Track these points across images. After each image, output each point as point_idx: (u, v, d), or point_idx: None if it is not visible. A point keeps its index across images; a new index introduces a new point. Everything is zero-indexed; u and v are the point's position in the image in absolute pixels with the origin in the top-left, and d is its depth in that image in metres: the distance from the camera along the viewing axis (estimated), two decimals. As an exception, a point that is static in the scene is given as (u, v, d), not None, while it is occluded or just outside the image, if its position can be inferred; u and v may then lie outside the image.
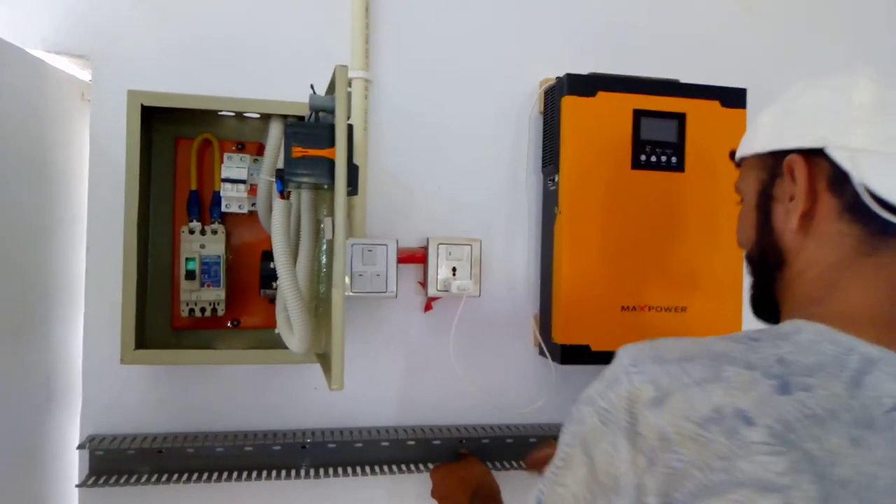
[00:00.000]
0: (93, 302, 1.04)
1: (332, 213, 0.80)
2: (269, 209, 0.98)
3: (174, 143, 1.03)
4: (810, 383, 0.50)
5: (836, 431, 0.48)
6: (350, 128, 0.79)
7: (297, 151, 0.78)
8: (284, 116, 0.97)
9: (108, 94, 1.04)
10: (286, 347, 0.91)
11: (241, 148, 1.04)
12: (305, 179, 0.79)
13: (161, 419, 1.06)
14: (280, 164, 0.96)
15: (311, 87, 0.84)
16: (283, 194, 0.83)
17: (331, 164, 0.78)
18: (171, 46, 1.07)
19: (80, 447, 1.01)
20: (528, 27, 1.19)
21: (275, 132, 0.97)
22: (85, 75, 1.10)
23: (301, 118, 0.91)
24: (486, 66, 1.17)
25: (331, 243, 0.80)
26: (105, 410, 1.04)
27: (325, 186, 0.84)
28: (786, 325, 0.56)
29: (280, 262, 0.81)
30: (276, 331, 0.91)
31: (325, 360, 0.91)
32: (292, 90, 0.97)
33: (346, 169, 0.77)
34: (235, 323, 1.05)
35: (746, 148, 0.68)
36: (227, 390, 1.09)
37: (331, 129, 0.79)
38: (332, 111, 0.82)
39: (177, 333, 1.04)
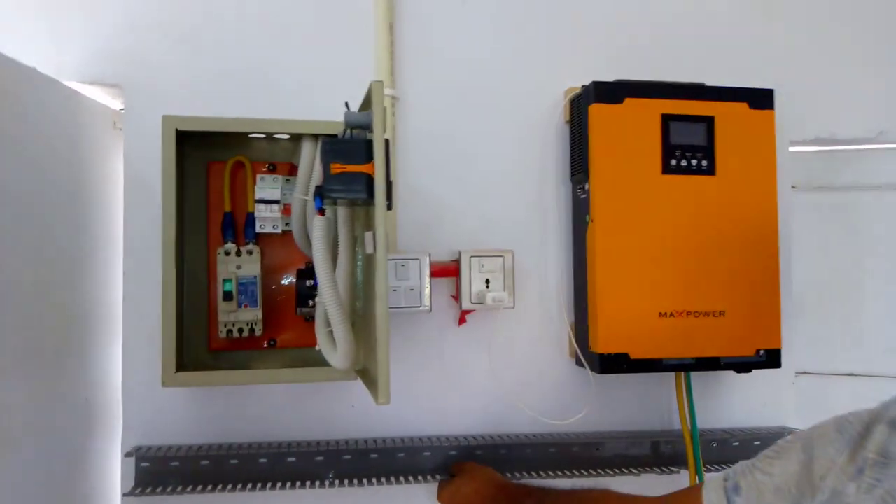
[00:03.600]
0: (131, 326, 1.05)
1: (369, 228, 0.81)
2: (304, 228, 0.99)
3: (206, 167, 1.05)
4: None
5: None
6: (387, 142, 0.80)
7: (336, 168, 0.79)
8: (315, 136, 0.98)
9: (140, 121, 1.06)
10: (323, 365, 0.91)
11: (272, 169, 1.05)
12: (345, 195, 0.79)
13: (199, 442, 1.06)
14: (313, 183, 0.97)
15: (346, 104, 0.85)
16: (321, 211, 0.84)
17: (369, 178, 0.79)
18: (199, 74, 1.09)
19: (128, 455, 1.02)
20: (550, 39, 1.19)
21: (307, 152, 0.98)
22: (116, 104, 1.12)
23: (331, 137, 0.92)
24: (509, 79, 1.18)
25: (370, 257, 0.81)
26: (145, 433, 1.05)
27: (360, 202, 0.85)
28: None
29: (322, 278, 0.82)
30: (317, 348, 0.91)
31: (365, 375, 0.91)
32: (319, 111, 0.98)
33: (385, 183, 0.77)
34: (272, 343, 1.06)
35: None
36: (265, 411, 1.09)
37: (367, 144, 0.79)
38: (366, 127, 0.83)
39: (214, 355, 1.04)
